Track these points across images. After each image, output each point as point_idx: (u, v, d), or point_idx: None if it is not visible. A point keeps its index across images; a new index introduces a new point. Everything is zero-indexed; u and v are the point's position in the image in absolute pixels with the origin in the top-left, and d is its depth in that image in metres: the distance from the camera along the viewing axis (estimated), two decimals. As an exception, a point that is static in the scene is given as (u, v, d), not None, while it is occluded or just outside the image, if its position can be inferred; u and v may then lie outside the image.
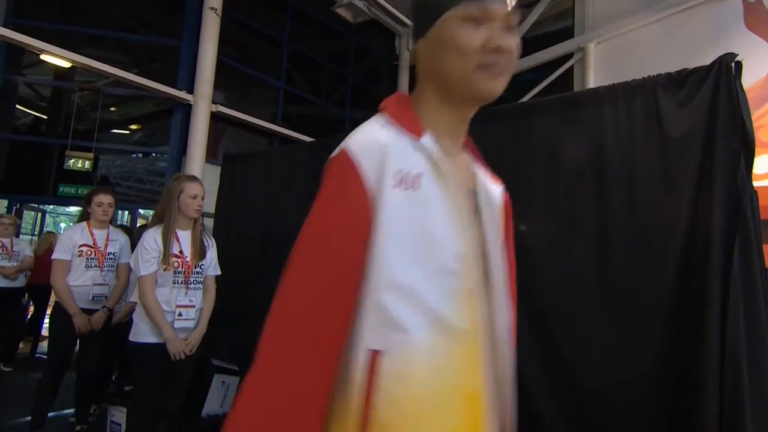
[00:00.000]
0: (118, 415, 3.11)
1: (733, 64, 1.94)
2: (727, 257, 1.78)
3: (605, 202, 2.06)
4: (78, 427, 3.01)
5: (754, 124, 6.00)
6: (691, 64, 2.05)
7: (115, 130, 9.41)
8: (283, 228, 3.20)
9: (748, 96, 5.98)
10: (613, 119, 2.12)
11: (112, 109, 8.81)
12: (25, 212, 7.48)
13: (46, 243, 5.32)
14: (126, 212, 8.15)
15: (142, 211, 7.45)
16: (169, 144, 5.91)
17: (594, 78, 6.17)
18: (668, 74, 2.08)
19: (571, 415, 1.98)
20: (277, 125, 6.70)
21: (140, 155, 11.91)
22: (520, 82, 6.95)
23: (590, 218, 2.07)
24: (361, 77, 8.48)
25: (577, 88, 6.26)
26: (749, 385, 1.63)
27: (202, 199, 2.45)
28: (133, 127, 9.50)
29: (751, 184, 2.01)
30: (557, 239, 2.14)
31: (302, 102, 7.71)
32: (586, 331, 2.00)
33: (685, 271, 1.85)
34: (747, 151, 1.89)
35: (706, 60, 2.01)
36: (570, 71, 6.47)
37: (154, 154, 11.61)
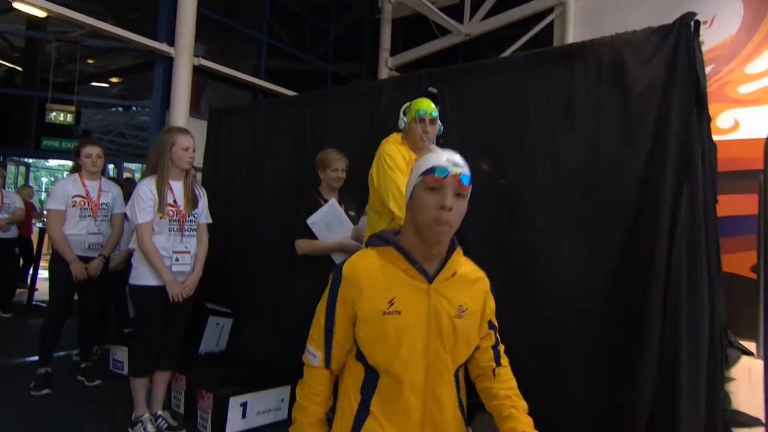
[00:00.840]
0: (120, 353, 3.30)
1: (692, 23, 2.04)
2: (676, 200, 1.96)
3: (572, 151, 2.21)
4: (83, 365, 3.19)
5: (723, 80, 6.18)
6: (668, 21, 2.14)
7: (94, 83, 9.14)
8: (269, 178, 3.30)
9: (719, 52, 6.13)
10: (582, 74, 2.24)
11: (90, 61, 8.53)
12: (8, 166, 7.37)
13: (23, 196, 5.36)
14: (111, 165, 8.09)
15: (126, 165, 7.41)
16: (152, 98, 5.84)
17: (573, 33, 6.20)
18: (634, 32, 2.19)
19: (530, 342, 2.18)
20: (260, 79, 6.63)
21: (120, 109, 11.63)
22: (501, 37, 6.94)
23: (557, 162, 2.23)
24: (344, 30, 8.33)
25: (557, 43, 6.29)
26: (687, 306, 1.87)
27: (194, 151, 2.53)
28: (113, 80, 9.24)
29: (709, 136, 2.18)
30: (526, 180, 2.30)
31: (285, 56, 7.59)
32: (548, 264, 2.20)
33: (639, 212, 2.04)
34: (700, 105, 2.03)
35: (690, 9, 2.12)
36: (550, 26, 6.48)
37: (135, 108, 11.36)
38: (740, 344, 4.21)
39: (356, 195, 2.75)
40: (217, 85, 6.34)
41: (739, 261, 4.58)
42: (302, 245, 2.58)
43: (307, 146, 3.08)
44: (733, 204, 4.40)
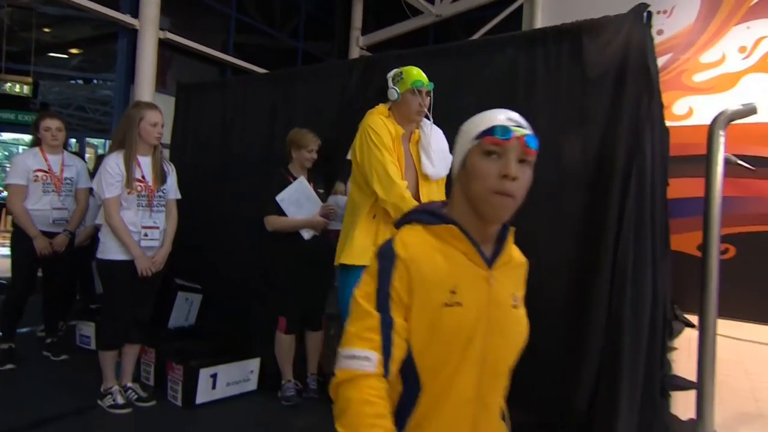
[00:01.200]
0: (87, 329, 3.29)
1: (645, 14, 2.16)
2: (625, 184, 2.11)
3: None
4: (48, 340, 3.17)
5: (679, 69, 6.44)
6: (629, 8, 2.24)
7: (52, 54, 8.73)
8: (238, 155, 3.30)
9: (676, 42, 6.38)
10: (543, 59, 2.34)
11: (46, 30, 8.13)
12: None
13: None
14: (73, 140, 7.81)
15: (89, 140, 7.17)
16: (115, 72, 5.66)
17: (541, 17, 6.32)
18: (592, 20, 2.30)
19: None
20: (229, 55, 6.50)
21: (81, 82, 11.15)
22: (471, 19, 6.99)
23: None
24: (315, 8, 8.20)
25: (525, 27, 6.40)
26: (631, 272, 2.04)
27: (162, 126, 2.52)
28: (73, 51, 8.84)
29: (662, 122, 2.32)
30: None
31: (254, 32, 7.43)
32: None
33: (592, 191, 2.17)
34: (650, 92, 2.16)
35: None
36: (520, 10, 6.57)
37: (96, 81, 10.92)
38: (684, 317, 4.52)
39: (325, 173, 2.80)
40: (183, 60, 6.18)
41: (687, 240, 4.88)
42: (272, 221, 2.62)
43: (277, 124, 3.10)
44: (685, 186, 4.67)
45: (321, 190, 2.75)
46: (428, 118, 2.13)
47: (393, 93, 2.09)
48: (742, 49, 5.16)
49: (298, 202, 2.64)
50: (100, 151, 6.76)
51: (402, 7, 7.08)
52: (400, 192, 1.93)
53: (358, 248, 2.01)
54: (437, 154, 2.07)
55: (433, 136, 2.12)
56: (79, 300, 3.75)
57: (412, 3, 6.89)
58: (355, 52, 7.53)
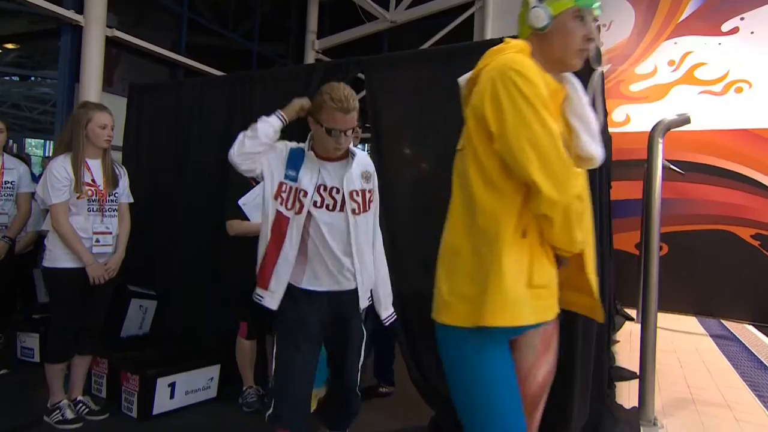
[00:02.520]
0: (30, 340, 3.06)
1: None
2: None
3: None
4: (-14, 355, 2.92)
5: (617, 79, 6.80)
6: None
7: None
8: (195, 159, 3.18)
9: (614, 53, 6.73)
10: (499, 69, 2.40)
11: (-22, 23, 7.53)
12: None
13: None
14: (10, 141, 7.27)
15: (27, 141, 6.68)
16: (58, 70, 5.31)
17: (492, 28, 6.51)
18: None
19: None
20: (181, 55, 6.26)
21: (16, 78, 10.40)
22: (424, 27, 7.10)
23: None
24: (270, 9, 8.05)
25: (476, 36, 6.58)
26: None
27: (112, 129, 2.39)
28: (8, 46, 8.23)
29: (605, 129, 2.44)
30: (440, 168, 2.42)
31: (207, 32, 7.20)
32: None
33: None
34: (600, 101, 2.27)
35: None
36: (471, 19, 6.74)
37: (33, 78, 10.22)
38: (624, 312, 4.79)
39: None
40: (131, 59, 5.89)
41: (626, 239, 5.18)
42: (234, 226, 2.54)
43: (234, 127, 2.99)
44: (625, 189, 4.96)
45: None
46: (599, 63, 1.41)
47: (539, 15, 1.20)
48: (671, 63, 5.52)
49: (260, 206, 2.57)
50: (38, 152, 6.32)
51: (357, 11, 7.08)
52: (578, 189, 1.13)
53: (510, 297, 1.11)
54: (594, 125, 1.28)
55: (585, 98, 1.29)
56: (19, 310, 3.49)
57: (367, 8, 6.90)
58: (310, 56, 7.46)
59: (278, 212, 1.73)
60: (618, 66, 5.81)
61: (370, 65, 2.72)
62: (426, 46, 6.33)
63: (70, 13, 4.92)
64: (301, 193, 1.72)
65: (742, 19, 5.05)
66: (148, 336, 3.13)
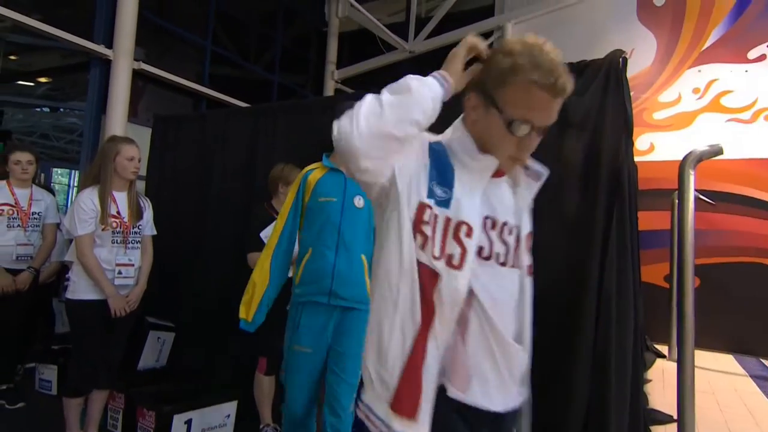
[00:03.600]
0: (48, 372, 3.06)
1: (621, 60, 2.25)
2: (608, 219, 2.14)
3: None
4: (4, 386, 2.91)
5: (641, 107, 6.75)
6: (595, 49, 2.33)
7: (18, 82, 8.45)
8: (217, 190, 3.22)
9: (637, 81, 6.70)
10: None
11: (13, 57, 7.89)
12: None
13: None
14: (36, 171, 7.49)
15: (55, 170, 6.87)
16: (87, 101, 5.49)
17: (510, 57, 6.55)
18: (570, 63, 2.37)
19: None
20: (204, 86, 6.44)
21: (47, 110, 10.81)
22: (444, 56, 7.18)
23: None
24: (291, 41, 8.28)
25: (495, 65, 6.62)
26: (616, 309, 2.04)
27: (139, 161, 2.43)
28: (40, 79, 8.58)
29: (632, 160, 2.40)
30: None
31: (229, 63, 7.42)
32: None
33: (575, 230, 2.20)
34: (627, 134, 2.24)
35: (609, 44, 2.33)
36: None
37: (62, 110, 10.61)
38: (655, 348, 4.61)
39: None
40: (156, 90, 6.08)
41: (654, 271, 5.03)
42: (255, 259, 2.53)
43: (257, 159, 3.03)
44: (650, 219, 4.84)
45: None
46: None
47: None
48: (696, 90, 5.47)
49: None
50: (64, 180, 6.48)
51: (376, 42, 7.22)
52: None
53: None
54: None
55: None
56: (39, 340, 3.50)
57: (386, 39, 7.04)
58: (330, 86, 7.60)
59: (421, 265, 0.89)
60: (641, 94, 5.78)
61: None
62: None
63: (100, 48, 5.12)
64: (464, 230, 0.90)
65: (768, 46, 5.00)
66: (165, 369, 3.11)
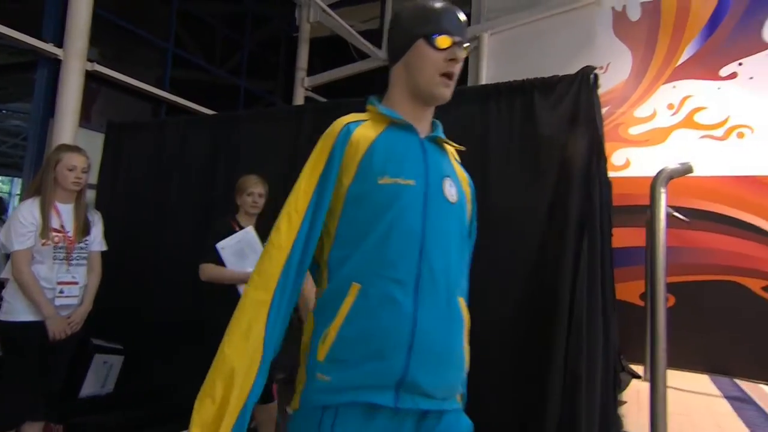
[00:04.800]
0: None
1: (591, 76, 2.33)
2: (579, 235, 2.20)
3: (486, 186, 2.39)
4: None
5: (617, 121, 6.94)
6: (571, 62, 2.42)
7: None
8: (175, 202, 3.16)
9: (613, 95, 6.90)
10: (496, 114, 2.45)
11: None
12: None
13: None
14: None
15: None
16: (33, 103, 5.33)
17: (487, 68, 6.70)
18: (543, 79, 2.45)
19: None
20: (165, 90, 6.34)
21: (-14, 111, 10.44)
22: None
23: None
24: (259, 45, 8.26)
25: (471, 76, 6.75)
26: (586, 325, 2.09)
27: (84, 171, 2.36)
28: (-19, 78, 8.30)
29: (605, 175, 2.47)
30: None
31: (192, 67, 7.34)
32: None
33: (544, 246, 2.25)
34: (598, 148, 2.31)
35: (583, 59, 2.41)
36: (466, 60, 6.94)
37: (5, 111, 10.27)
38: (630, 369, 4.70)
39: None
40: (112, 94, 5.95)
41: (629, 289, 5.15)
42: (207, 270, 2.49)
43: (218, 171, 3.00)
44: (626, 236, 4.97)
45: None
46: None
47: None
48: (671, 106, 5.68)
49: (242, 253, 2.53)
50: (5, 188, 6.24)
51: (349, 49, 7.28)
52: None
53: None
54: None
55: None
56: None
57: (358, 46, 7.10)
58: (299, 93, 7.60)
59: None
60: (616, 109, 5.97)
61: (361, 107, 2.76)
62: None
63: (49, 47, 4.99)
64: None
65: (740, 64, 5.24)
66: (111, 396, 3.00)
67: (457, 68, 1.17)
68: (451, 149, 1.30)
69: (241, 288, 2.48)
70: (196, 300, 2.66)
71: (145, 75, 6.27)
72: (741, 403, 4.08)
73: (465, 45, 1.16)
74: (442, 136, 1.24)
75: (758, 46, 5.17)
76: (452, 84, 1.17)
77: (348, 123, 1.16)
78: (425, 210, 1.08)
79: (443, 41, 1.13)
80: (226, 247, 2.49)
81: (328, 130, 1.16)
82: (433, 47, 1.13)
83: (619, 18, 6.00)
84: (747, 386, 4.56)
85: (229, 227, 2.56)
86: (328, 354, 1.02)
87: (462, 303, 1.15)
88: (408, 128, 1.17)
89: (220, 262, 2.49)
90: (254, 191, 2.61)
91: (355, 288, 1.03)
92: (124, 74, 5.72)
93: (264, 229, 2.67)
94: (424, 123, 1.22)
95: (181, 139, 3.22)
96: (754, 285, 4.76)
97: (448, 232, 1.12)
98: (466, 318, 1.15)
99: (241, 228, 2.57)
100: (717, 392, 4.38)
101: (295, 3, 7.30)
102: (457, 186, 1.18)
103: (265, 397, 2.55)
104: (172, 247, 3.07)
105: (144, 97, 6.18)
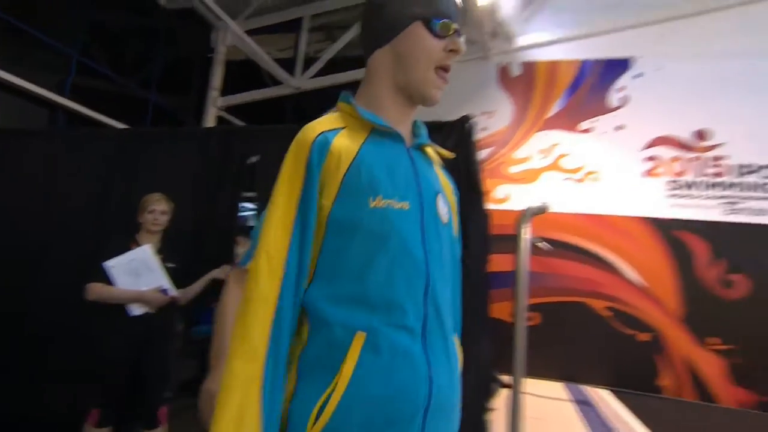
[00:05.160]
0: None
1: (468, 124, 2.56)
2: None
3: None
4: None
5: (500, 161, 7.48)
6: (464, 107, 2.62)
7: None
8: (63, 222, 2.86)
9: (497, 138, 7.45)
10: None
11: None
12: None
13: None
14: None
15: None
16: None
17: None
18: (431, 122, 2.62)
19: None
20: (65, 98, 5.82)
21: None
22: (329, 95, 7.42)
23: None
24: (173, 61, 7.89)
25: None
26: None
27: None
28: None
29: (483, 208, 2.70)
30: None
31: (97, 75, 6.82)
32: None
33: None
34: (475, 185, 2.53)
35: (475, 105, 2.65)
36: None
37: None
38: (500, 379, 5.06)
39: (179, 247, 2.60)
40: (5, 98, 5.35)
41: (504, 308, 5.56)
42: (95, 289, 2.32)
43: (114, 188, 2.80)
44: (505, 262, 5.37)
45: (172, 265, 2.53)
46: None
47: None
48: (542, 151, 6.31)
49: (135, 271, 2.39)
50: None
51: (263, 74, 7.21)
52: None
53: None
54: None
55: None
56: None
57: (273, 72, 7.07)
58: (211, 112, 7.35)
59: None
60: (500, 149, 6.50)
61: (273, 133, 2.75)
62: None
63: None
64: None
65: (594, 121, 6.00)
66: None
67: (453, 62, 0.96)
68: (434, 155, 1.06)
69: (132, 308, 2.35)
70: (82, 319, 2.45)
71: (46, 81, 5.72)
72: (585, 406, 4.55)
73: (462, 37, 0.95)
74: (429, 141, 1.02)
75: (605, 109, 5.96)
76: (445, 85, 0.96)
77: (323, 131, 0.89)
78: (423, 237, 0.88)
79: (445, 27, 0.92)
80: (116, 265, 2.35)
81: (298, 139, 0.89)
82: (432, 33, 0.92)
83: (503, 72, 6.58)
84: (591, 391, 5.10)
85: (124, 245, 2.42)
86: (328, 425, 0.77)
87: (457, 343, 0.99)
88: (394, 137, 0.94)
89: (107, 280, 2.34)
90: (156, 209, 2.50)
91: (360, 338, 0.80)
92: (17, 77, 5.19)
93: (167, 249, 2.55)
94: (407, 125, 0.99)
95: (76, 152, 2.97)
96: (598, 305, 5.38)
97: (444, 261, 0.93)
98: (460, 361, 0.98)
99: (139, 246, 2.44)
100: (567, 397, 4.84)
101: (212, 26, 7.11)
102: (445, 201, 0.99)
103: (150, 422, 2.40)
104: (56, 269, 2.77)
105: (41, 102, 5.63)
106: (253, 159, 2.69)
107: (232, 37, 6.98)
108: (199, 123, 7.24)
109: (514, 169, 6.42)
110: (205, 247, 2.72)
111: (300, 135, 0.89)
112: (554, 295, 5.66)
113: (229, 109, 7.59)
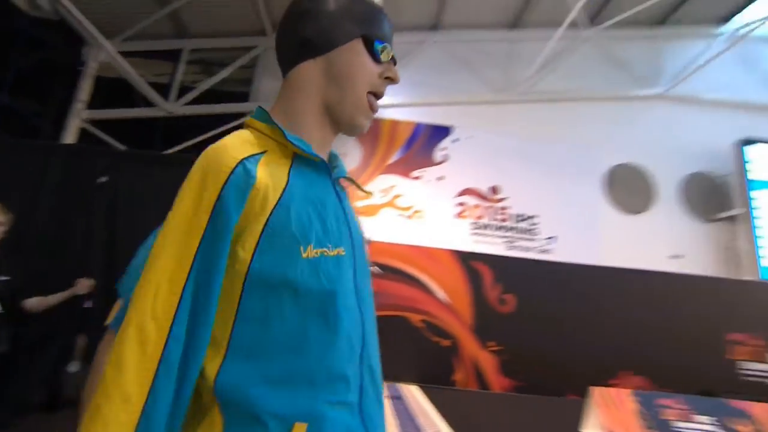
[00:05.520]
0: None
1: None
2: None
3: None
4: None
5: (350, 196, 8.28)
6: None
7: None
8: None
9: (351, 175, 8.16)
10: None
11: None
12: None
13: None
14: None
15: None
16: None
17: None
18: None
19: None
20: None
21: None
22: (200, 124, 7.54)
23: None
24: (33, 68, 7.31)
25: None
26: None
27: None
28: None
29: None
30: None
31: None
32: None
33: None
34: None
35: (334, 145, 3.17)
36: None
37: None
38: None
39: (17, 258, 2.50)
40: None
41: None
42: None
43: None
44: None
45: (6, 277, 2.39)
46: None
47: None
48: (383, 191, 7.26)
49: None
50: None
51: (136, 93, 7.10)
52: None
53: None
54: None
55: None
56: None
57: (145, 95, 7.01)
58: (74, 124, 6.96)
59: None
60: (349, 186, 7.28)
61: (130, 159, 2.92)
62: (196, 141, 6.77)
63: None
64: None
65: (423, 171, 7.14)
66: None
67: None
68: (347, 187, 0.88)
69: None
70: None
71: None
72: (397, 400, 5.34)
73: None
74: (346, 174, 0.85)
75: (431, 163, 7.17)
76: (372, 116, 0.86)
77: (242, 159, 0.67)
78: (356, 287, 0.75)
79: (386, 52, 0.81)
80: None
81: (205, 167, 0.66)
82: (371, 55, 0.80)
83: (368, 131, 7.46)
84: (404, 388, 5.94)
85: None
86: None
87: (387, 405, 0.96)
88: (320, 168, 0.79)
89: None
90: None
91: (299, 431, 0.61)
92: None
93: (4, 261, 2.45)
94: (326, 153, 0.85)
95: None
96: (415, 318, 6.33)
97: (372, 309, 0.81)
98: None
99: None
100: (386, 394, 5.59)
101: (83, 40, 6.83)
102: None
103: None
104: None
105: None
106: (103, 179, 2.70)
107: (105, 55, 6.79)
108: (59, 132, 6.82)
109: (361, 204, 7.24)
110: (57, 258, 2.72)
111: (208, 161, 0.66)
112: (382, 309, 6.49)
113: (95, 123, 7.26)
